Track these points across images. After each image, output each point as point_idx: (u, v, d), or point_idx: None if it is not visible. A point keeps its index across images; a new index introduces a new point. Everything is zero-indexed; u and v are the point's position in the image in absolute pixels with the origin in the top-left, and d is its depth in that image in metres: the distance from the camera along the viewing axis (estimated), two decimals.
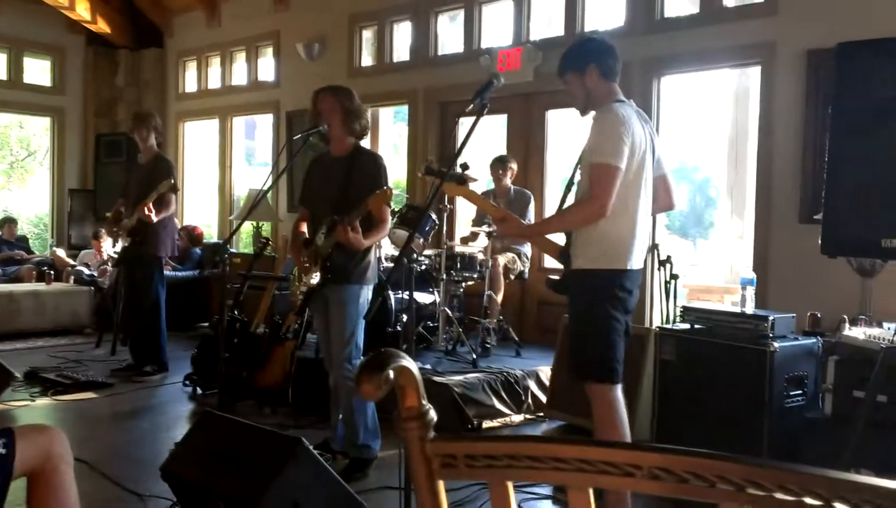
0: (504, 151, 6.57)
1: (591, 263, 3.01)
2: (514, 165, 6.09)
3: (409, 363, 1.01)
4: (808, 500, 0.80)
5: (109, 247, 8.60)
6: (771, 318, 3.80)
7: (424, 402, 1.02)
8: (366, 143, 3.97)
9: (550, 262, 6.68)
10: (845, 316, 3.79)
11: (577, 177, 3.17)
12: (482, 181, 6.13)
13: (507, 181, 6.03)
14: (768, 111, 5.22)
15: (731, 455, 0.85)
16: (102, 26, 9.83)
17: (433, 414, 1.02)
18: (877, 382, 2.83)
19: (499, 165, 6.02)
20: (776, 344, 3.70)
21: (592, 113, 3.11)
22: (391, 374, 0.98)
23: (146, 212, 5.47)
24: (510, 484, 0.98)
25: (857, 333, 3.60)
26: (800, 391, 3.80)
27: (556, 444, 0.91)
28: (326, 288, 3.79)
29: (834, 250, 3.01)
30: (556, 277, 3.23)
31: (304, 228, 3.94)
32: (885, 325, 3.67)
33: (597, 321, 3.00)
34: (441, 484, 1.02)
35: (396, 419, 1.01)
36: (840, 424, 3.46)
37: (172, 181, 5.59)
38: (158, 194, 5.52)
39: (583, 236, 3.02)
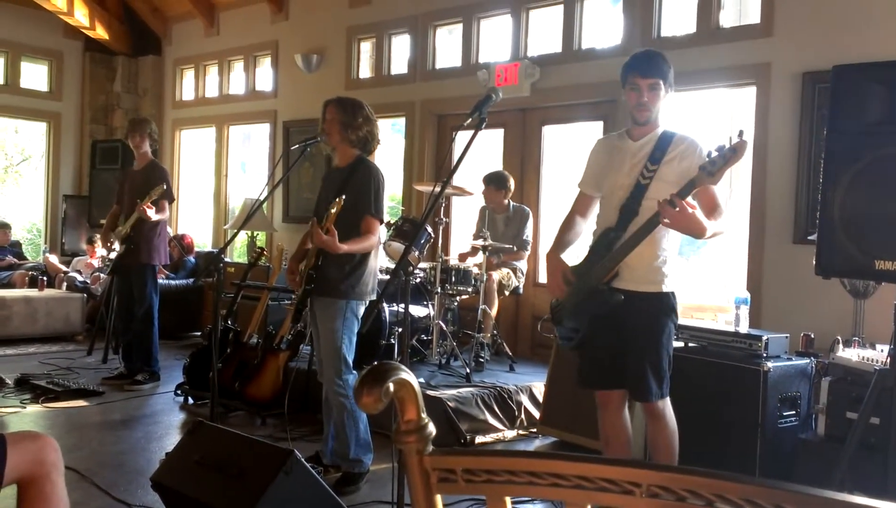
0: (500, 166, 6.57)
1: (657, 285, 3.10)
2: (512, 184, 6.08)
3: (408, 376, 1.01)
4: None
5: (102, 254, 8.59)
6: (765, 338, 3.81)
7: (424, 416, 1.02)
8: None
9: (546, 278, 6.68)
10: (839, 337, 3.80)
11: (648, 183, 3.10)
12: (478, 195, 6.14)
13: (505, 200, 6.03)
14: (763, 132, 5.25)
15: (729, 474, 0.86)
16: (101, 32, 9.84)
17: (432, 428, 1.02)
18: (870, 404, 2.84)
19: (491, 184, 5.99)
20: (770, 364, 3.71)
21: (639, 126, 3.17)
22: (391, 387, 0.98)
23: (145, 211, 5.46)
24: (508, 500, 0.98)
25: (851, 354, 3.61)
26: (793, 412, 3.81)
27: (555, 460, 0.91)
28: (316, 302, 3.79)
29: (828, 270, 3.03)
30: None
31: (309, 241, 3.95)
32: (879, 347, 3.68)
33: (669, 340, 3.14)
34: (439, 499, 1.02)
35: (395, 432, 1.01)
36: (833, 445, 3.46)
37: (166, 187, 5.59)
38: (151, 200, 5.51)
39: (650, 258, 3.08)
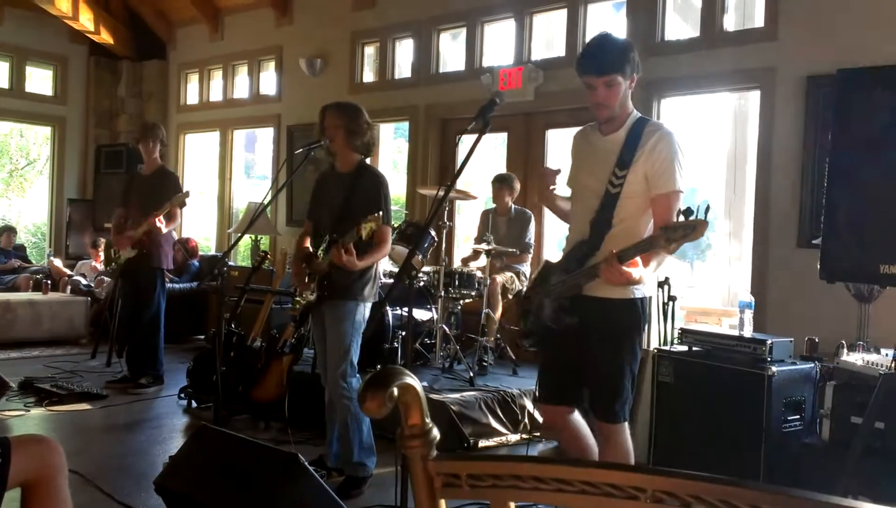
0: (504, 170, 6.58)
1: (628, 291, 2.78)
2: (518, 186, 6.10)
3: (412, 380, 1.01)
4: None
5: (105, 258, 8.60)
6: (769, 342, 3.80)
7: (427, 420, 1.02)
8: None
9: None
10: (843, 341, 3.79)
11: (619, 190, 2.81)
12: (482, 199, 6.14)
13: (510, 201, 6.05)
14: (768, 136, 5.24)
15: (735, 480, 0.86)
16: (105, 37, 9.86)
17: (436, 433, 1.02)
18: (875, 408, 2.83)
19: (503, 184, 6.03)
20: (774, 368, 3.70)
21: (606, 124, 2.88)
22: (395, 391, 0.98)
23: (156, 224, 5.52)
24: (512, 505, 0.98)
25: (855, 358, 3.60)
26: (797, 416, 3.80)
27: (561, 465, 0.91)
28: (324, 304, 3.80)
29: (832, 275, 3.03)
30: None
31: (308, 242, 3.95)
32: (883, 351, 3.67)
33: (634, 356, 2.84)
34: (443, 503, 1.01)
35: (399, 436, 1.01)
36: (838, 450, 3.45)
37: (187, 192, 5.66)
38: (165, 212, 5.57)
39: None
